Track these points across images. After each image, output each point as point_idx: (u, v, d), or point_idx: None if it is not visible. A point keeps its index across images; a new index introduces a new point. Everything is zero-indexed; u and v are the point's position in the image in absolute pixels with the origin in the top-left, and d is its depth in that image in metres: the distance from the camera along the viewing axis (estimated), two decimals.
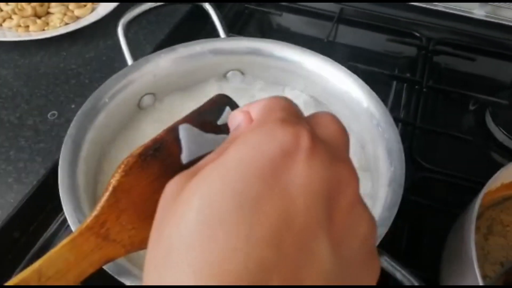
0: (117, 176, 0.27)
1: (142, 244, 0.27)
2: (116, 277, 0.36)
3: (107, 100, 0.50)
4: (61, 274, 0.26)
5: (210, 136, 0.30)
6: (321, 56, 0.53)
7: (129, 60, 0.54)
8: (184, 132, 0.30)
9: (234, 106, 0.33)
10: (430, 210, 0.58)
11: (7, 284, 0.25)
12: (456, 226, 0.49)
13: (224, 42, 0.56)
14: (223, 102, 0.32)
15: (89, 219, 0.26)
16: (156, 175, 0.28)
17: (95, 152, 0.48)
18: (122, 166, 0.28)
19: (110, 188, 0.27)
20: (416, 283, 0.36)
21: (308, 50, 0.53)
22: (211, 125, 0.31)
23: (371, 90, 0.50)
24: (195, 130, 0.30)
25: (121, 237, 0.27)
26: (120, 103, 0.52)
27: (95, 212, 0.27)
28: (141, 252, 0.28)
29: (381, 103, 0.49)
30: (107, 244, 0.27)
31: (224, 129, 0.30)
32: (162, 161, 0.29)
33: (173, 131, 0.30)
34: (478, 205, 0.43)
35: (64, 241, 0.26)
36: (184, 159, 0.29)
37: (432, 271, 0.50)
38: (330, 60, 0.52)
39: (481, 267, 0.46)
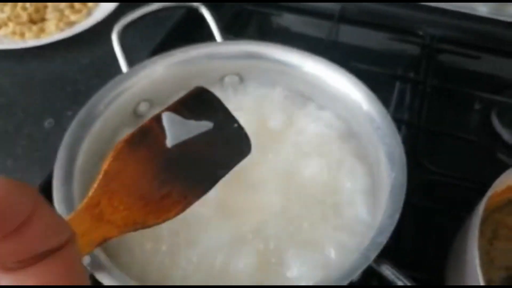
0: (107, 161, 0.30)
1: (136, 224, 0.30)
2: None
3: (102, 108, 0.49)
4: None
5: (192, 122, 0.34)
6: (320, 58, 0.52)
7: (124, 67, 0.53)
8: (167, 119, 0.33)
9: (212, 97, 0.37)
10: (436, 213, 0.56)
11: None
12: (461, 230, 0.48)
13: (220, 46, 0.55)
14: (202, 93, 0.37)
15: (84, 201, 0.29)
16: (144, 159, 0.31)
17: (91, 161, 0.47)
18: (112, 152, 0.31)
19: (102, 172, 0.30)
20: None
21: (306, 52, 0.52)
22: (192, 113, 0.34)
23: (371, 93, 0.49)
24: (178, 117, 0.33)
25: (114, 218, 0.29)
26: (116, 110, 0.51)
27: (89, 194, 0.29)
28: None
29: (382, 106, 0.47)
30: (101, 225, 0.29)
31: (204, 116, 0.34)
32: (149, 146, 0.32)
33: (157, 119, 0.33)
34: (482, 210, 0.42)
35: None
36: (169, 143, 0.32)
37: (438, 276, 0.49)
38: (329, 62, 0.51)
39: (487, 272, 0.45)
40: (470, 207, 0.48)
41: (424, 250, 0.55)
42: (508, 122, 0.66)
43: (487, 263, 0.45)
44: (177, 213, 0.32)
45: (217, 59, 0.54)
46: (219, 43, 0.56)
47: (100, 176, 0.30)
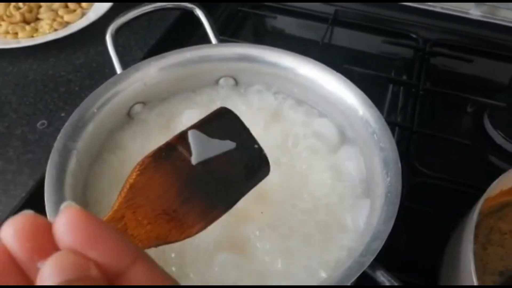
0: (133, 175, 0.30)
1: (158, 239, 0.30)
2: None
3: (95, 110, 0.49)
4: None
5: (216, 141, 0.35)
6: (314, 61, 0.52)
7: (118, 68, 0.53)
8: (192, 137, 0.34)
9: (235, 118, 0.37)
10: (428, 217, 0.56)
11: None
12: (454, 235, 0.48)
13: (215, 49, 0.54)
14: (225, 113, 0.37)
15: (108, 214, 0.28)
16: (169, 174, 0.31)
17: (83, 165, 0.47)
18: (138, 166, 0.31)
19: (127, 185, 0.30)
20: None
21: (301, 56, 0.52)
22: (216, 132, 0.35)
23: (366, 97, 0.49)
24: (203, 135, 0.34)
25: (138, 232, 0.29)
26: (110, 112, 0.50)
27: (114, 207, 0.29)
28: None
29: (377, 110, 0.47)
30: None
31: (227, 136, 0.35)
32: (174, 163, 0.32)
33: (183, 136, 0.34)
34: (476, 214, 0.42)
35: None
36: (194, 161, 0.33)
37: (431, 280, 0.49)
38: (324, 65, 0.51)
39: (480, 278, 0.45)
40: (462, 209, 0.48)
41: (416, 253, 0.55)
42: (500, 125, 0.66)
43: (480, 268, 0.46)
44: (199, 230, 0.32)
45: (211, 61, 0.54)
46: (214, 45, 0.55)
47: (125, 190, 0.30)
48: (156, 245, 0.30)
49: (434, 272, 0.50)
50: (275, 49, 0.53)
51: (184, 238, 0.31)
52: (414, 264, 0.54)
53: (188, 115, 0.53)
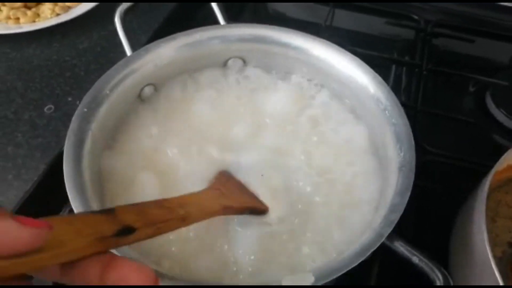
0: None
1: (242, 205, 0.43)
2: None
3: (108, 91, 0.49)
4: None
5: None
6: (325, 41, 0.52)
7: (128, 50, 0.53)
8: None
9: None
10: (435, 194, 0.58)
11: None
12: (463, 209, 0.49)
13: (225, 30, 0.54)
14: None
15: (209, 187, 0.44)
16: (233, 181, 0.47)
17: (98, 146, 0.47)
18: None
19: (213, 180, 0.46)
20: (434, 267, 0.36)
21: (312, 36, 0.53)
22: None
23: (376, 75, 0.49)
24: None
25: (231, 196, 0.43)
26: (121, 94, 0.50)
27: (210, 186, 0.45)
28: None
29: (388, 87, 0.48)
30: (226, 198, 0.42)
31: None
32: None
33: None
34: (487, 187, 0.43)
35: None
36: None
37: (440, 255, 0.50)
38: (335, 45, 0.52)
39: (492, 249, 0.46)
40: (468, 187, 0.49)
41: (425, 231, 0.56)
42: (502, 103, 0.67)
43: (491, 240, 0.47)
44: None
45: (221, 42, 0.54)
46: (223, 26, 0.55)
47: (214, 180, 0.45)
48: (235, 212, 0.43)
49: (443, 247, 0.51)
50: (286, 29, 0.53)
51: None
52: (423, 241, 0.55)
53: (198, 99, 0.53)
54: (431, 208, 0.57)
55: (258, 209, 0.44)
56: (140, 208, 0.32)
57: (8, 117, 0.60)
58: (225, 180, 0.45)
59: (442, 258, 0.50)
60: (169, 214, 0.34)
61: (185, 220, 0.35)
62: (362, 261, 0.36)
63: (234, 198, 0.43)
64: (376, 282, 0.48)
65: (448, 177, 0.60)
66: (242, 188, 0.45)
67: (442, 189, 0.57)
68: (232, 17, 0.80)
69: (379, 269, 0.48)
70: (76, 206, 0.38)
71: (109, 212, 0.29)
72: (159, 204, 0.34)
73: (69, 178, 0.40)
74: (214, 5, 0.56)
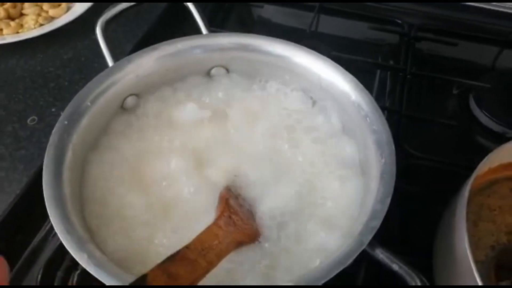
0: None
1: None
2: None
3: (89, 103, 0.49)
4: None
5: None
6: (307, 49, 0.52)
7: (109, 61, 0.53)
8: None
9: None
10: (419, 197, 0.58)
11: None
12: (447, 213, 0.49)
13: (207, 39, 0.55)
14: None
15: (217, 217, 0.43)
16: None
17: (78, 159, 0.47)
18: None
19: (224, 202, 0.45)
20: (413, 274, 0.36)
21: (294, 44, 0.53)
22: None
23: (358, 82, 0.50)
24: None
25: (240, 224, 0.43)
26: (103, 105, 0.50)
27: (218, 213, 0.44)
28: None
29: (369, 94, 0.48)
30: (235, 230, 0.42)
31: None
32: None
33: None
34: (467, 192, 0.43)
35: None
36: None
37: (425, 258, 0.50)
38: (316, 53, 0.52)
39: (472, 253, 0.47)
40: (452, 189, 0.50)
41: (410, 234, 0.56)
42: (485, 106, 0.68)
43: (473, 244, 0.47)
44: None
45: (203, 51, 0.54)
46: (206, 35, 0.56)
47: (224, 204, 0.45)
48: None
49: (428, 251, 0.51)
50: (268, 37, 0.53)
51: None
52: (408, 244, 0.55)
53: (181, 110, 0.53)
54: (416, 211, 0.58)
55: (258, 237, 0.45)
56: (167, 268, 0.34)
57: None
58: (233, 203, 0.45)
59: (426, 262, 0.50)
60: (194, 272, 0.36)
61: (207, 271, 0.37)
62: (345, 268, 0.36)
63: (244, 228, 0.43)
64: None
65: (433, 180, 0.61)
66: (248, 211, 0.46)
67: (427, 192, 0.57)
68: (218, 24, 0.81)
69: (364, 275, 0.49)
70: (56, 222, 0.38)
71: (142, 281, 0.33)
72: (182, 256, 0.36)
73: (48, 195, 0.40)
74: (195, 14, 0.56)
